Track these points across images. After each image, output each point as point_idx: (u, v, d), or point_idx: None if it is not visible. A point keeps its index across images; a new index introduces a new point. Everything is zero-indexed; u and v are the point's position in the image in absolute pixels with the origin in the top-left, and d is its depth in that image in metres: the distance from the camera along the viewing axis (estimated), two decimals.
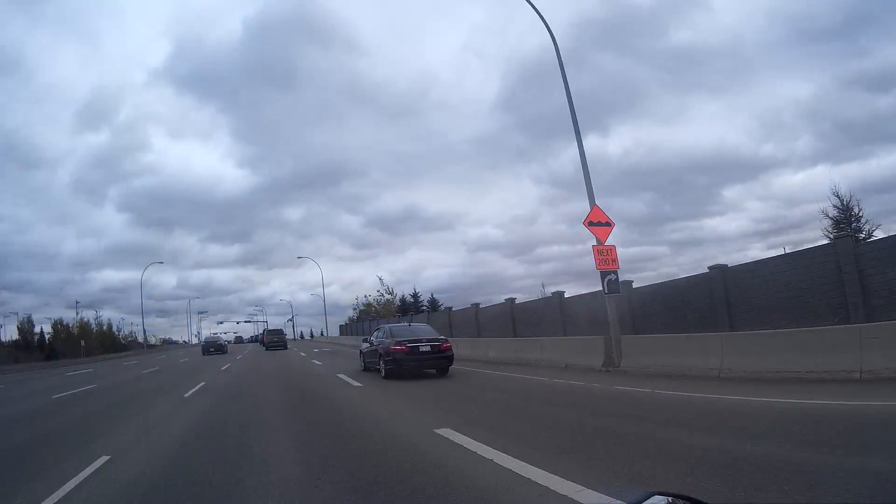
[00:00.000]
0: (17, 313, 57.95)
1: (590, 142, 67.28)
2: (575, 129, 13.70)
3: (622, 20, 67.12)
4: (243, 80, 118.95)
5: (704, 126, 61.54)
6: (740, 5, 67.15)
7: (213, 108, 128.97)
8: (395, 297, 55.39)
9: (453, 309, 31.24)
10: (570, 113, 13.60)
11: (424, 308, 49.84)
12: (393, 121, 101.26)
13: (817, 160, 58.62)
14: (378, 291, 57.25)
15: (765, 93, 59.21)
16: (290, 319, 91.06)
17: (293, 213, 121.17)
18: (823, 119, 53.79)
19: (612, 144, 68.59)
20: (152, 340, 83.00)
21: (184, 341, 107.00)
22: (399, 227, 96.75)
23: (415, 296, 55.25)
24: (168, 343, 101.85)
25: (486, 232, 73.53)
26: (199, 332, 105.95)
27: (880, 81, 52.32)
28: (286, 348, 41.22)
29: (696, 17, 66.86)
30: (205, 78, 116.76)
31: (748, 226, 44.12)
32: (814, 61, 58.86)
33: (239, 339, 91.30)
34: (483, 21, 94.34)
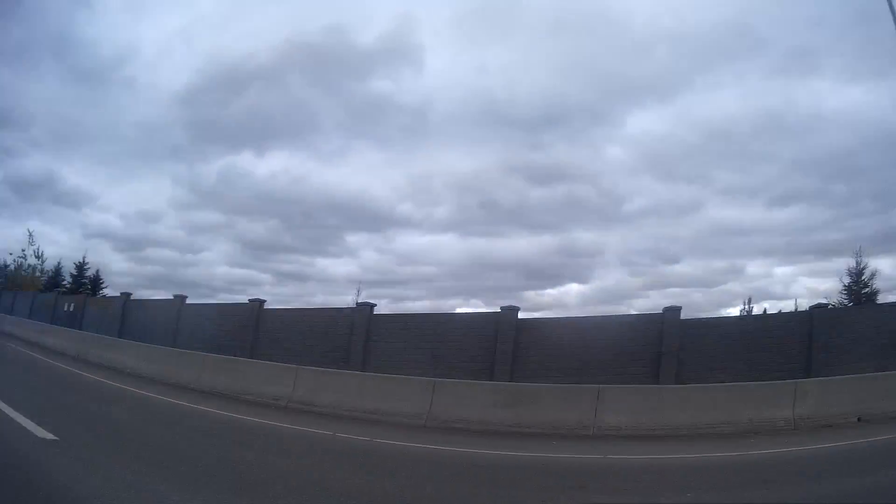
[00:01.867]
0: None
1: (243, 157, 67.72)
2: None
3: (335, 54, 68.35)
4: None
5: (357, 171, 66.34)
6: (449, 74, 73.59)
7: None
8: (42, 262, 39.59)
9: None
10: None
11: (66, 285, 36.12)
12: (78, 82, 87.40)
13: (448, 228, 63.28)
14: (24, 252, 39.45)
15: (428, 158, 65.86)
16: None
17: None
18: (472, 194, 62.06)
19: (263, 165, 69.61)
20: None
21: None
22: (32, 192, 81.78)
23: (81, 268, 37.50)
24: None
25: (108, 220, 67.39)
26: None
27: (541, 175, 59.09)
28: None
29: (403, 73, 71.60)
30: None
31: (356, 273, 53.09)
32: (491, 142, 66.23)
33: None
34: (208, 13, 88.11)
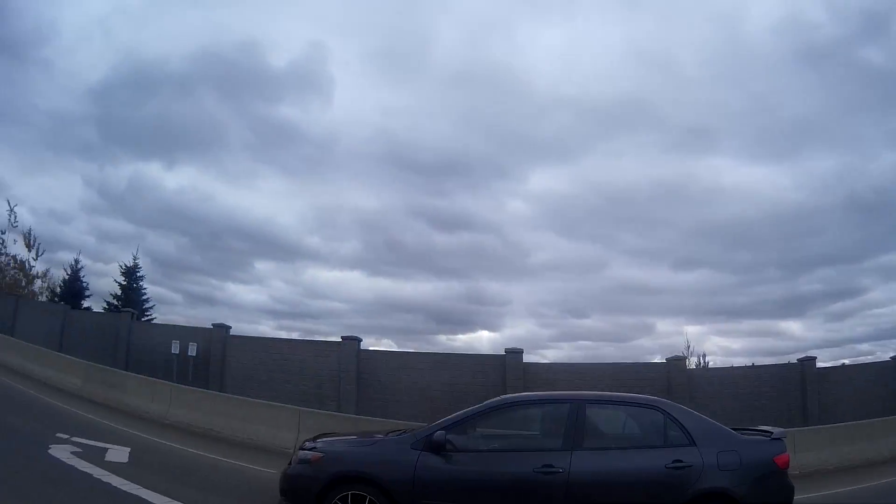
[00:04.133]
0: None
1: (152, 167, 66.96)
2: None
3: (248, 72, 67.14)
4: None
5: (264, 197, 66.73)
6: (356, 111, 73.72)
7: None
8: (34, 255, 28.21)
9: None
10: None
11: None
12: None
13: (356, 266, 63.18)
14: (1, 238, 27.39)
15: (334, 192, 66.39)
16: None
17: None
18: (377, 234, 62.96)
19: (172, 178, 67.90)
20: None
21: None
22: None
23: (75, 269, 28.04)
24: None
25: (20, 213, 63.84)
26: None
27: (446, 222, 58.42)
28: None
29: (312, 102, 68.97)
30: None
31: (266, 301, 49.44)
32: (395, 184, 67.95)
33: None
34: (129, 4, 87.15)
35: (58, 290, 27.37)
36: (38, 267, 28.52)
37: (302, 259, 57.17)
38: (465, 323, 61.98)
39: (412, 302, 53.16)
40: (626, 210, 52.27)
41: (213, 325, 16.50)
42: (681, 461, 4.43)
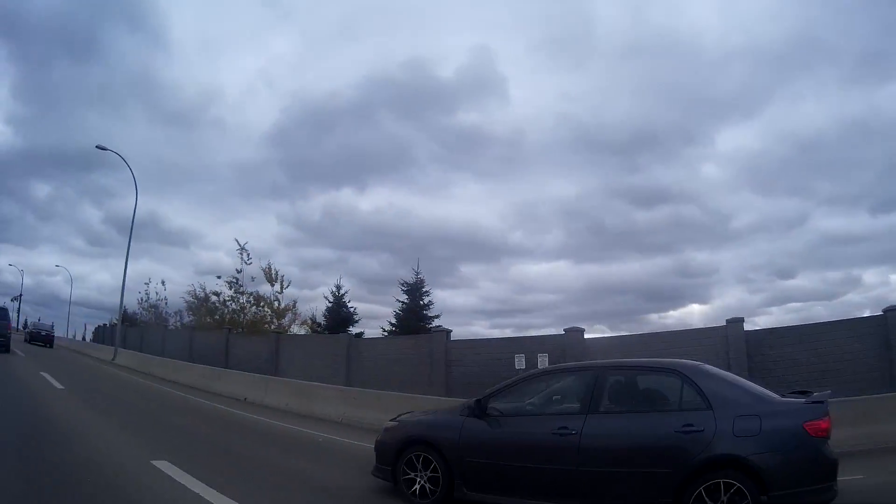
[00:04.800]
0: None
1: (344, 194, 70.86)
2: None
3: (419, 88, 72.60)
4: (45, 36, 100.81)
5: (462, 204, 67.72)
6: (535, 103, 74.85)
7: (4, 53, 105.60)
8: (279, 288, 27.35)
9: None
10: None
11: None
12: (167, 124, 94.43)
13: (561, 255, 62.73)
14: (235, 278, 27.42)
15: (530, 185, 66.38)
16: (15, 298, 67.70)
17: (42, 189, 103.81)
18: (579, 220, 61.79)
19: (366, 201, 71.60)
20: None
21: None
22: (137, 232, 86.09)
23: (338, 297, 27.03)
24: None
25: (218, 258, 70.57)
26: None
27: (644, 198, 58.86)
28: (7, 350, 22.59)
29: (489, 104, 73.74)
30: (9, 21, 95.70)
31: (476, 303, 49.49)
32: (587, 167, 66.49)
33: None
34: (285, 53, 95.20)
35: (322, 319, 26.68)
36: (288, 299, 27.63)
37: (507, 256, 58.05)
38: (675, 298, 60.35)
39: (621, 283, 53.04)
40: (816, 156, 51.04)
41: (433, 329, 17.49)
42: (691, 425, 4.30)
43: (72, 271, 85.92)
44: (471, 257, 66.87)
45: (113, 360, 25.48)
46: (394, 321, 24.66)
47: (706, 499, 4.12)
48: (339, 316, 26.07)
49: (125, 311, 53.31)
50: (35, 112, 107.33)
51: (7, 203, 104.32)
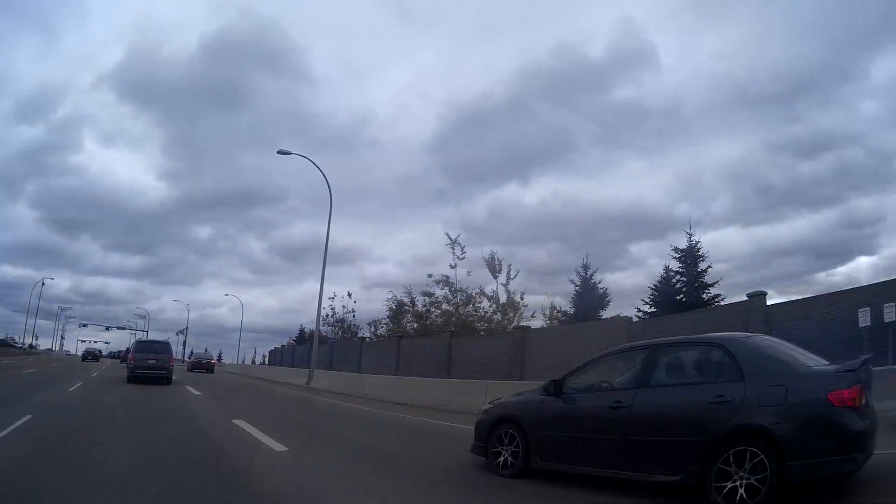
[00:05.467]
0: None
1: (508, 190, 70.85)
2: None
3: (571, 72, 69.87)
4: (187, 95, 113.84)
5: (625, 182, 67.25)
6: (687, 66, 73.56)
7: (150, 119, 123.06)
8: (504, 279, 24.53)
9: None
10: None
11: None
12: (322, 152, 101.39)
13: (729, 222, 59.49)
14: (445, 276, 24.85)
15: (692, 154, 64.98)
16: (181, 332, 73.83)
17: (202, 231, 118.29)
18: (744, 182, 58.61)
19: (530, 194, 71.31)
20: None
21: (54, 349, 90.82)
22: (301, 256, 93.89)
23: (585, 278, 23.76)
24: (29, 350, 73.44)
25: (386, 270, 73.64)
26: (62, 341, 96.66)
27: (806, 148, 55.44)
28: (169, 382, 19.94)
29: (643, 76, 71.99)
30: (148, 87, 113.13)
31: (646, 282, 43.19)
32: (747, 125, 63.69)
33: (89, 354, 57.38)
34: (431, 63, 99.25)
35: (570, 308, 23.37)
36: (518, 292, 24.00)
37: (675, 230, 57.83)
38: (843, 253, 59.85)
39: (790, 243, 52.17)
40: None
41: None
42: (722, 396, 4.50)
43: (242, 300, 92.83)
44: (639, 236, 67.78)
45: (308, 383, 22.14)
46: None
47: (732, 466, 4.22)
48: (590, 300, 22.26)
49: (301, 329, 53.14)
50: (187, 164, 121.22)
51: (170, 248, 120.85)
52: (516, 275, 24.33)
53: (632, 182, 66.09)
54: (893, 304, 9.77)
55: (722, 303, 19.23)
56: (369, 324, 34.04)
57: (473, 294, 25.09)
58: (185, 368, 39.09)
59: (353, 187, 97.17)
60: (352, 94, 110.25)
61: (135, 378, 19.13)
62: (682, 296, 20.46)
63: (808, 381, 4.44)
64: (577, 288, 22.74)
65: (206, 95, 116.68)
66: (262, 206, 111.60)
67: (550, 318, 23.57)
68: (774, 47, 61.57)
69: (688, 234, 20.87)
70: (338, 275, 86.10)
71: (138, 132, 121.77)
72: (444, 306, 25.24)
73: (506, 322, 23.68)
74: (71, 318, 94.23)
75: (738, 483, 4.16)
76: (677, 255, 20.76)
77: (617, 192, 64.19)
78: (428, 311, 25.95)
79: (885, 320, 9.79)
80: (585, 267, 22.87)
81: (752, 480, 4.10)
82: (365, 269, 77.69)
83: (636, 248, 62.78)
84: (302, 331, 52.89)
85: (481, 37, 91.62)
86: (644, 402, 4.95)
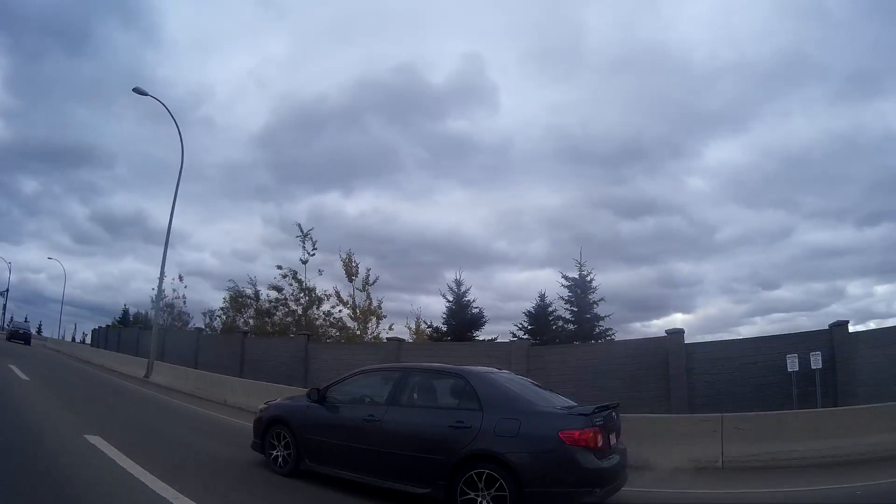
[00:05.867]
0: None
1: (330, 197, 69.47)
2: None
3: (409, 93, 72.22)
4: (37, 27, 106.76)
5: (446, 210, 66.54)
6: (523, 113, 77.86)
7: None
8: (360, 285, 23.87)
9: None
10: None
11: None
12: (156, 122, 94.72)
13: (546, 264, 62.29)
14: (293, 270, 24.52)
15: (514, 195, 65.65)
16: (1, 293, 65.00)
17: (29, 183, 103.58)
18: (563, 230, 61.53)
19: (352, 205, 70.25)
20: None
21: None
22: (123, 230, 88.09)
23: (459, 295, 22.68)
24: None
25: (204, 259, 69.84)
26: None
27: (627, 209, 58.69)
28: None
29: (478, 112, 75.75)
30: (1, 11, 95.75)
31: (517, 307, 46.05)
32: (572, 178, 67.05)
33: None
34: (277, 54, 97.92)
35: (441, 325, 22.05)
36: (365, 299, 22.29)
37: (490, 264, 56.31)
38: (659, 308, 60.14)
39: (605, 293, 51.96)
40: (803, 171, 52.23)
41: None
42: (462, 422, 5.12)
43: (64, 269, 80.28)
44: (455, 263, 66.85)
45: (147, 376, 19.45)
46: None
47: (476, 485, 4.80)
48: (464, 319, 21.07)
49: (126, 310, 47.34)
50: (26, 105, 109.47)
51: None
52: (375, 280, 22.95)
53: (453, 211, 67.22)
54: (796, 354, 10.74)
55: (612, 335, 20.20)
56: (204, 313, 31.07)
57: (323, 296, 23.45)
58: (5, 336, 37.38)
59: (179, 164, 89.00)
60: (195, 67, 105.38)
61: None
62: (571, 324, 20.86)
63: (541, 418, 4.98)
64: (448, 304, 22.06)
65: (56, 33, 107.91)
66: (91, 168, 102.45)
67: (416, 332, 22.54)
68: (611, 113, 66.58)
69: (578, 263, 21.32)
70: (156, 256, 78.32)
71: None
72: (292, 305, 23.44)
73: (362, 331, 22.59)
74: None
75: (480, 501, 4.75)
76: (567, 284, 21.16)
77: (437, 218, 64.21)
78: (275, 307, 23.92)
79: (789, 369, 10.66)
80: (458, 283, 22.13)
81: (492, 503, 4.69)
82: (184, 254, 71.97)
83: (452, 275, 65.43)
84: (126, 312, 49.08)
85: (331, 39, 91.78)
86: (394, 418, 5.55)
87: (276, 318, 23.23)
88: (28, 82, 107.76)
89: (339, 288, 23.18)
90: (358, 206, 68.38)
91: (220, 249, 75.31)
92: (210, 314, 30.06)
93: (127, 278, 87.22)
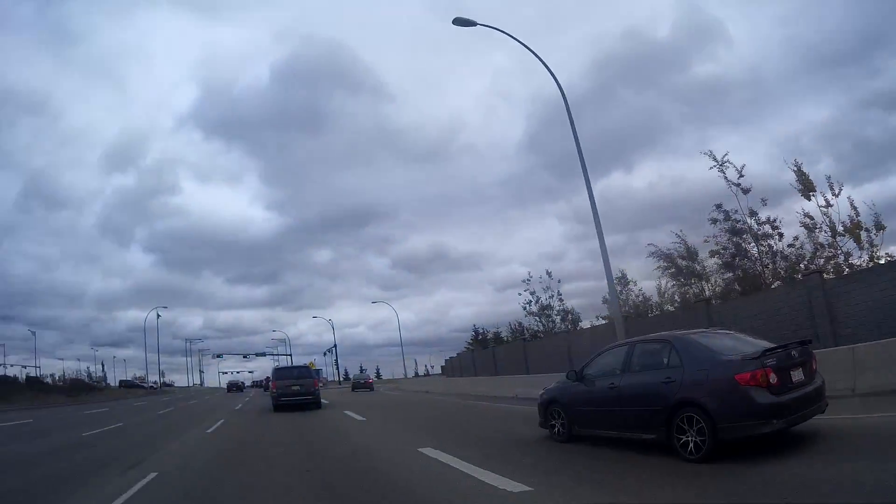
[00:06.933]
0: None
1: (614, 179, 72.31)
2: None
3: (643, 56, 70.88)
4: (271, 125, 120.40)
5: (732, 157, 58.98)
6: (758, 36, 74.56)
7: (240, 152, 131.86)
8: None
9: None
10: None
11: None
12: (421, 164, 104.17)
13: (840, 181, 52.77)
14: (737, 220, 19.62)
15: (784, 120, 61.73)
16: (328, 351, 72.71)
17: (322, 254, 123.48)
18: (842, 141, 51.97)
19: (637, 179, 72.95)
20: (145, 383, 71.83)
21: (191, 384, 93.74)
22: (426, 267, 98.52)
23: None
24: (165, 387, 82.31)
25: (513, 270, 74.09)
26: (201, 375, 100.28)
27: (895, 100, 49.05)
28: (318, 406, 19.45)
29: (717, 51, 74.23)
30: (232, 122, 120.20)
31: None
32: (830, 85, 61.85)
33: (234, 386, 65.06)
34: (506, 64, 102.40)
35: None
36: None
37: (788, 198, 53.39)
38: None
39: None
40: None
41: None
42: (670, 377, 6.33)
43: (378, 316, 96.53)
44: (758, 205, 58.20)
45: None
46: None
47: (684, 428, 5.99)
48: None
49: (475, 330, 46.78)
50: (290, 193, 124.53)
51: (294, 275, 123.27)
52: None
53: (731, 156, 62.17)
54: None
55: None
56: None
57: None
58: (349, 389, 45.95)
59: (459, 193, 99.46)
60: (434, 103, 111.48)
61: (280, 406, 18.87)
62: None
63: (723, 366, 5.94)
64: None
65: (290, 123, 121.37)
66: (376, 224, 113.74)
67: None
68: (838, 5, 59.32)
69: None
70: (466, 282, 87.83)
71: (232, 166, 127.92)
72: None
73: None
74: (205, 352, 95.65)
75: (689, 439, 5.93)
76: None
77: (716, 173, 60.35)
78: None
79: None
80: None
81: (698, 439, 5.83)
82: (492, 272, 79.61)
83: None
84: (476, 332, 46.25)
85: (547, 31, 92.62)
86: (626, 382, 6.93)
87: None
88: (285, 172, 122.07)
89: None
90: (643, 178, 71.24)
91: (527, 258, 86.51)
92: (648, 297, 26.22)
93: (444, 309, 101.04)
